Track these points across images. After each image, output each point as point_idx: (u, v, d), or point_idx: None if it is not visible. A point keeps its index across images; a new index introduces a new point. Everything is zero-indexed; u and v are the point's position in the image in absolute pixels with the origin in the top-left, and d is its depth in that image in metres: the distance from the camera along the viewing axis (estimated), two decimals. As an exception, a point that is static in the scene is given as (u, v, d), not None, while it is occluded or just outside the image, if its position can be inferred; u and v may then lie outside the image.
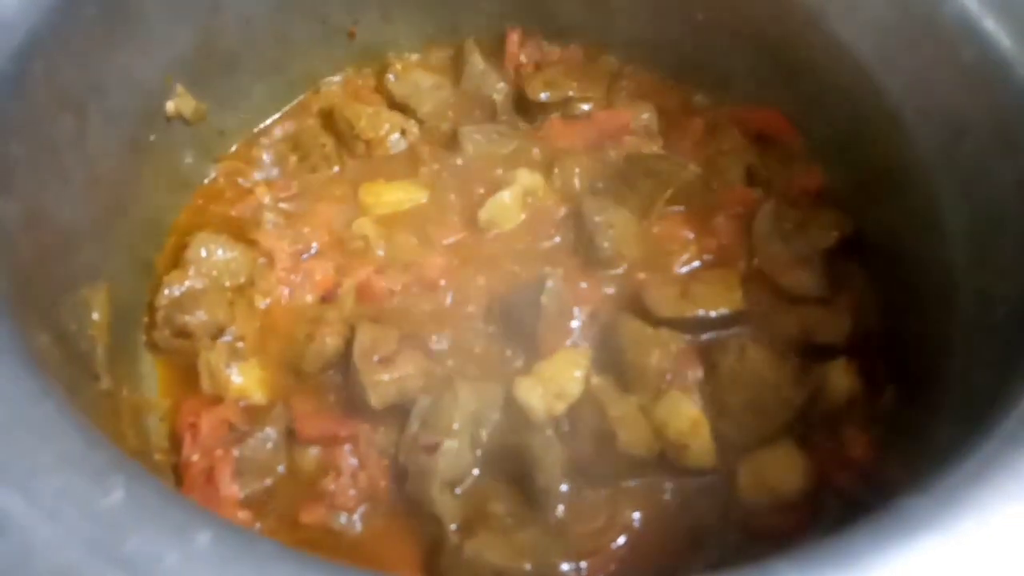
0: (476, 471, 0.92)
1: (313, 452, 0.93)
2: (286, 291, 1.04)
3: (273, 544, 0.54)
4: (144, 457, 0.89)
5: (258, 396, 0.97)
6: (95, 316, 0.86)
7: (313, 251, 1.07)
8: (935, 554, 0.56)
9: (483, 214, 1.08)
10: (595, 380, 0.95)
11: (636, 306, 1.01)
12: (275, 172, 1.16)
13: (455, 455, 0.89)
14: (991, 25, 0.88)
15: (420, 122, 1.20)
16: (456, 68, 1.26)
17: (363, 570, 0.55)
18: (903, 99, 0.98)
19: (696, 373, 0.97)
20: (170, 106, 1.05)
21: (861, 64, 1.02)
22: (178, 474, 0.91)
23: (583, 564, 0.87)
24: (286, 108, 1.22)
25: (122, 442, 0.84)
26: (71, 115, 0.86)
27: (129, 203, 0.99)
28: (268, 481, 0.91)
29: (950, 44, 0.92)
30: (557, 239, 1.09)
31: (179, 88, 1.05)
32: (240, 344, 0.99)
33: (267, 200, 1.11)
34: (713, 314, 1.00)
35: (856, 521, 0.57)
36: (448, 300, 1.03)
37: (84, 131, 0.88)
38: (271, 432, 0.92)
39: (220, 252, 1.03)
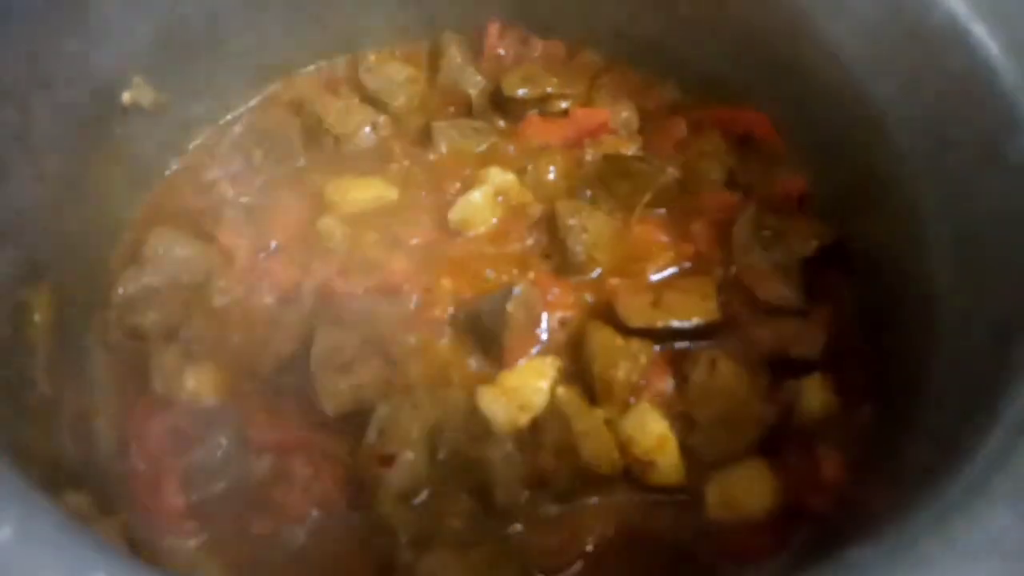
0: (433, 483, 0.89)
1: (265, 460, 0.89)
2: (244, 290, 0.99)
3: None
4: (88, 464, 0.86)
5: (211, 400, 0.93)
6: (36, 318, 0.83)
7: (273, 249, 1.03)
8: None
9: (453, 215, 1.04)
10: (561, 391, 0.92)
11: (608, 314, 0.98)
12: (239, 165, 1.11)
13: (411, 467, 0.87)
14: (980, 32, 0.84)
15: (392, 116, 1.16)
16: (432, 62, 1.22)
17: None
18: (888, 105, 0.95)
19: (666, 384, 0.94)
20: (126, 97, 1.00)
21: (848, 67, 0.98)
22: (124, 481, 0.87)
23: (542, 583, 0.84)
24: (254, 99, 1.18)
25: (57, 451, 0.80)
26: (12, 108, 0.82)
27: (81, 199, 0.94)
28: (217, 490, 0.88)
29: (937, 50, 0.88)
30: (529, 242, 1.05)
31: (136, 79, 1.01)
32: (194, 346, 0.95)
33: (230, 195, 1.07)
34: (686, 324, 0.97)
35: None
36: (412, 304, 0.99)
37: (28, 125, 0.84)
38: (222, 439, 0.89)
39: (177, 249, 1.00)
